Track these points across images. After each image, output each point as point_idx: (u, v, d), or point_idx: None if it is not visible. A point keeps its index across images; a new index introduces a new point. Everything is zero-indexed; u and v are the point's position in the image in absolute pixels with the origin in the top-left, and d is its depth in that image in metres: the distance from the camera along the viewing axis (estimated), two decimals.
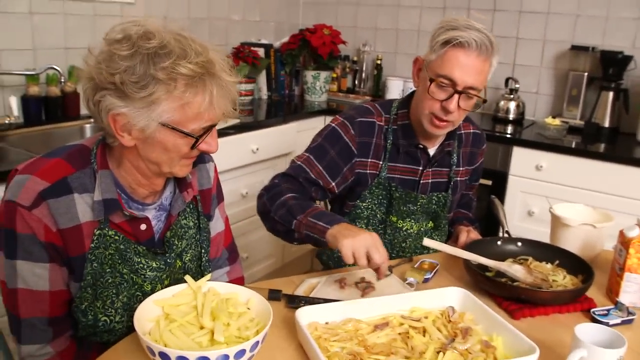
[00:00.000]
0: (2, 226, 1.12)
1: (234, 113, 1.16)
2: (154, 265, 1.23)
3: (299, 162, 1.68)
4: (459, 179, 1.80)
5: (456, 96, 1.53)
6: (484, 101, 1.58)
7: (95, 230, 1.15)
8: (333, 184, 1.67)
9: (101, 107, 1.08)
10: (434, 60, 1.55)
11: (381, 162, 1.70)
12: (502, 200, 2.83)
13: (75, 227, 1.12)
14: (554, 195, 2.64)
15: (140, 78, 1.03)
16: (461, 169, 1.80)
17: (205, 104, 1.08)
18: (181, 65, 1.04)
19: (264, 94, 3.61)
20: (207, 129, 1.12)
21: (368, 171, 1.69)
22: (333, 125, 1.70)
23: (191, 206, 1.33)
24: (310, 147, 1.71)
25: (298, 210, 1.48)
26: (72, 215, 1.12)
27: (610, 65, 2.98)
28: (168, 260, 1.26)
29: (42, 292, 1.14)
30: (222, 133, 2.58)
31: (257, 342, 1.01)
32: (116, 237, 1.17)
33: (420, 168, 1.72)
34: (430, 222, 1.80)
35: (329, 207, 1.96)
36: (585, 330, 1.12)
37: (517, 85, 3.25)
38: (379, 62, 3.76)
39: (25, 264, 1.12)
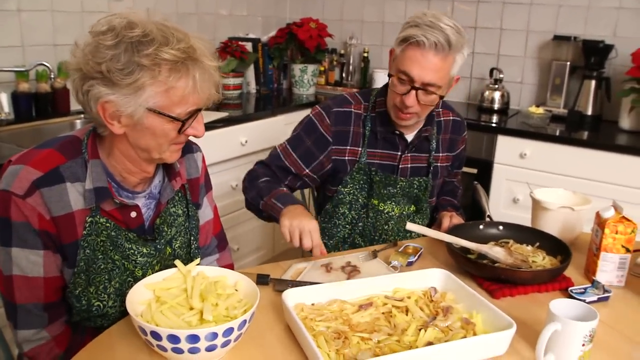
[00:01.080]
0: None
1: (217, 96, 1.20)
2: (145, 251, 1.27)
3: (277, 150, 1.81)
4: (439, 164, 1.86)
5: (413, 92, 1.59)
6: (441, 97, 1.64)
7: (87, 217, 1.18)
8: (307, 170, 1.76)
9: (90, 97, 1.12)
10: (398, 55, 1.62)
11: (360, 149, 1.76)
12: (487, 188, 2.89)
13: (68, 214, 1.16)
14: (538, 182, 2.69)
15: (125, 65, 1.07)
16: (441, 154, 1.86)
17: (189, 88, 1.12)
18: (164, 51, 1.08)
19: (253, 87, 3.65)
20: (193, 114, 1.16)
21: (347, 158, 1.76)
22: (310, 115, 1.80)
23: (180, 194, 1.37)
24: (290, 137, 1.81)
25: (265, 193, 1.65)
26: (64, 204, 1.15)
27: (592, 54, 3.03)
28: (158, 246, 1.30)
29: (37, 278, 1.17)
30: (212, 126, 2.62)
31: (245, 320, 1.05)
32: (107, 225, 1.21)
33: (399, 153, 1.79)
34: (413, 205, 1.85)
35: (315, 194, 2.01)
36: (560, 305, 1.16)
37: (501, 75, 3.30)
38: (365, 54, 3.80)
39: (20, 251, 1.15)
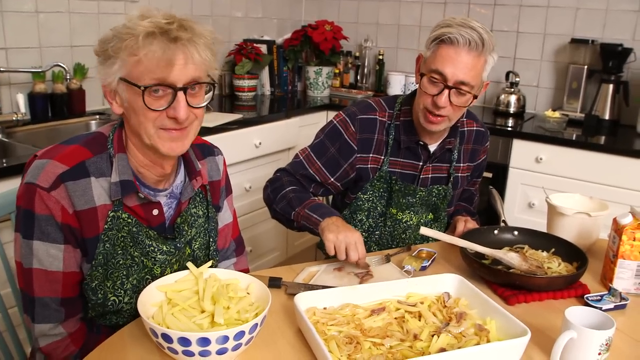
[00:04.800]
0: (20, 207, 1.17)
1: (199, 77, 1.16)
2: (165, 249, 1.27)
3: (300, 158, 1.77)
4: (459, 174, 1.83)
5: (446, 91, 1.56)
6: (474, 97, 1.60)
7: (110, 212, 1.19)
8: (332, 179, 1.74)
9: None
10: (428, 56, 1.60)
11: (382, 157, 1.73)
12: (502, 193, 2.87)
13: (91, 209, 1.17)
14: (554, 187, 2.66)
15: (110, 39, 1.13)
16: (462, 165, 1.83)
17: (156, 57, 1.10)
18: (140, 23, 1.10)
19: (267, 89, 3.65)
20: (159, 85, 1.12)
21: (369, 166, 1.74)
22: (335, 122, 1.75)
23: (201, 196, 1.38)
24: (313, 143, 1.78)
25: (297, 203, 1.64)
26: (88, 198, 1.17)
27: (610, 57, 3.00)
28: (178, 245, 1.30)
29: (56, 272, 1.18)
30: (226, 128, 2.63)
31: (256, 324, 1.04)
32: (129, 220, 1.22)
33: (421, 163, 1.76)
34: (430, 214, 1.83)
35: (331, 199, 2.00)
36: (575, 313, 1.15)
37: (517, 79, 3.27)
38: (380, 57, 3.79)
39: (41, 245, 1.16)
